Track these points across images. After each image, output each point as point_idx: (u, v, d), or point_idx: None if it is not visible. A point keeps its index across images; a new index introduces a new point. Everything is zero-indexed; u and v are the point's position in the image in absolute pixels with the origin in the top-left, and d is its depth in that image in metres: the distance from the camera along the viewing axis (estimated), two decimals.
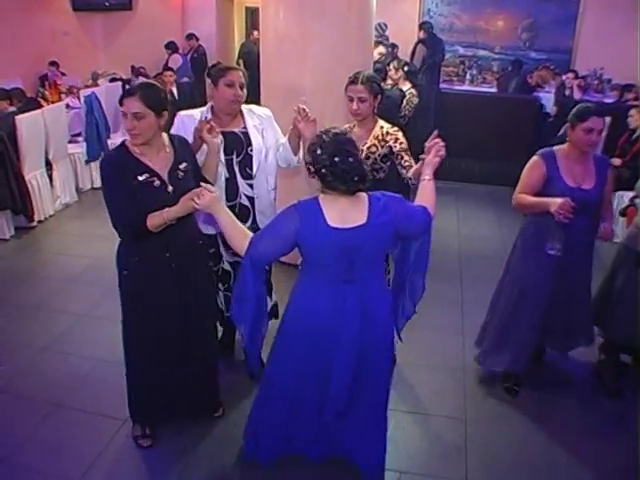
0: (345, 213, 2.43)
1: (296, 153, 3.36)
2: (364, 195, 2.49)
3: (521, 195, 3.45)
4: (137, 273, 2.86)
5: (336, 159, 2.35)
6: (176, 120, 3.29)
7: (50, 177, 6.45)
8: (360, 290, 2.55)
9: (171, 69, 8.90)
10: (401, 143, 3.35)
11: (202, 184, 2.65)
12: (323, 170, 2.37)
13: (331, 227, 2.41)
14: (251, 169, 3.29)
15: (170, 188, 2.76)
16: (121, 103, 2.68)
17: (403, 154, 3.32)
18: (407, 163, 3.28)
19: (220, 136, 3.07)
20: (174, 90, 8.28)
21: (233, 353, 3.86)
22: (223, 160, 3.19)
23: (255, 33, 10.99)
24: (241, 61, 10.67)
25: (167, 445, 3.13)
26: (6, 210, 5.68)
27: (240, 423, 3.10)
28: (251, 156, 3.27)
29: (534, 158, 3.46)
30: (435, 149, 2.77)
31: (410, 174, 3.20)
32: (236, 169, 3.26)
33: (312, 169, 2.44)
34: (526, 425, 3.39)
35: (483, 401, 3.58)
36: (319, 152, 2.39)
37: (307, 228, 2.41)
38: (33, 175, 6.09)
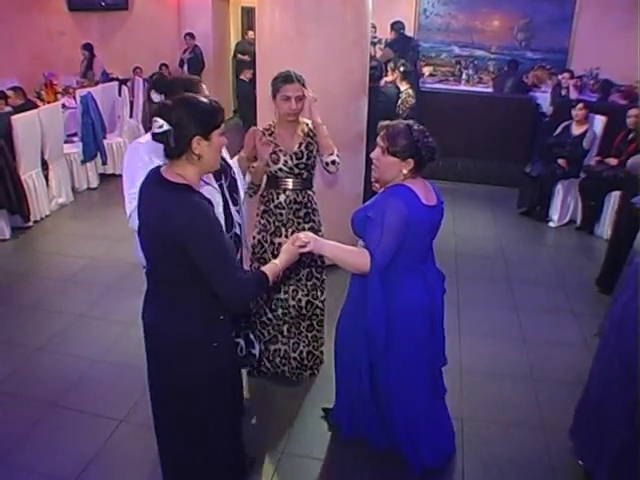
0: (427, 192, 2.62)
1: (244, 175, 3.12)
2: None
3: None
4: (226, 338, 2.36)
5: (428, 140, 2.56)
6: (134, 151, 2.75)
7: (46, 177, 6.44)
8: (433, 266, 2.79)
9: None
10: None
11: (303, 234, 2.44)
12: (423, 152, 2.53)
13: (426, 205, 2.58)
14: (237, 194, 2.88)
15: None
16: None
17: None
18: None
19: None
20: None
21: None
22: (217, 186, 2.70)
23: (250, 33, 11.00)
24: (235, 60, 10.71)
25: None
26: (2, 210, 5.66)
27: None
28: (235, 180, 2.89)
29: None
30: None
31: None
32: (227, 195, 2.78)
33: (411, 154, 2.52)
34: (523, 425, 3.38)
35: (480, 401, 3.57)
36: (421, 137, 2.53)
37: (413, 212, 2.51)
38: (29, 175, 6.08)
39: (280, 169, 3.28)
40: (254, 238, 3.44)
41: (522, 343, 4.18)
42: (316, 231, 3.29)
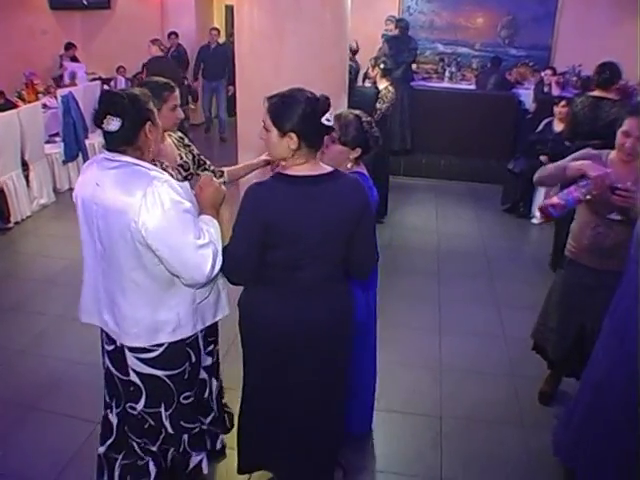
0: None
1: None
2: None
3: None
4: None
5: (374, 131, 2.78)
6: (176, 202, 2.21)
7: (27, 178, 6.38)
8: None
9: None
10: (192, 146, 3.13)
11: None
12: (370, 142, 2.75)
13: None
14: None
15: None
16: None
17: (203, 157, 3.10)
18: (212, 167, 3.11)
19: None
20: None
21: None
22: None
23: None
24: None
25: None
26: None
27: None
28: None
29: None
30: None
31: (227, 178, 3.14)
32: None
33: (359, 143, 2.71)
34: (503, 423, 3.40)
35: (459, 399, 3.59)
36: (369, 127, 2.74)
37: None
38: (9, 176, 6.03)
39: None
40: None
41: (503, 340, 4.20)
42: None
